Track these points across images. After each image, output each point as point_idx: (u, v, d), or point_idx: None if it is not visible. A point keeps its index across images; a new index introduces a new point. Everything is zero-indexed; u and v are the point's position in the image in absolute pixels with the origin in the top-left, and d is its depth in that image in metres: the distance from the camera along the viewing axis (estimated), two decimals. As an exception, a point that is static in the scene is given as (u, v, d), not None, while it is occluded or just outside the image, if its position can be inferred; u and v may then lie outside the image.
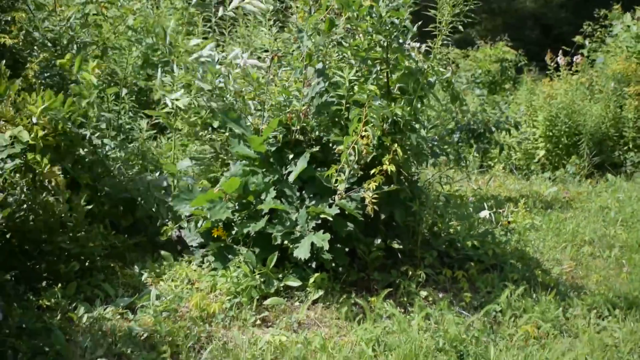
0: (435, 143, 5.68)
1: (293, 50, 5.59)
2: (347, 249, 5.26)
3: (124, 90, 7.30)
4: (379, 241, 5.35)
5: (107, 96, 7.07)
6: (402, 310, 4.98)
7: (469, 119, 7.41)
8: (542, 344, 4.69)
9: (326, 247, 4.89)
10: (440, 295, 5.20)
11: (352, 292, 5.15)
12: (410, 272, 5.33)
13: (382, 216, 5.32)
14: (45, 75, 6.21)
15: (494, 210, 6.38)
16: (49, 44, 6.21)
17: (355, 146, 4.76)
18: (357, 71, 5.19)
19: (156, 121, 7.71)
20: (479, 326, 4.80)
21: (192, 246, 5.55)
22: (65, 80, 6.19)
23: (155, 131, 7.90)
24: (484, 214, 6.32)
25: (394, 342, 4.50)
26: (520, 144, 9.17)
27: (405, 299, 5.13)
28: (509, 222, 6.30)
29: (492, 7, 28.26)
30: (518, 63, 13.86)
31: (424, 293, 5.18)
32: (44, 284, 4.96)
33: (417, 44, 5.54)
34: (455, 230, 6.04)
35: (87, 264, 5.26)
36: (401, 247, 5.42)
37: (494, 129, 7.03)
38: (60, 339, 4.34)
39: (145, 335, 4.52)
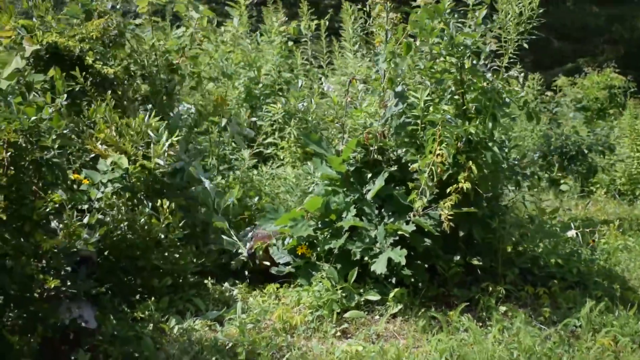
0: (516, 162, 5.74)
1: (372, 74, 5.81)
2: (426, 265, 5.41)
3: (223, 121, 7.64)
4: (458, 257, 5.45)
5: (210, 127, 7.45)
6: (480, 324, 5.06)
7: (562, 142, 7.43)
8: (619, 357, 4.68)
9: (403, 262, 5.04)
10: (520, 310, 5.24)
11: (431, 306, 5.26)
12: (490, 288, 5.40)
13: (461, 233, 5.43)
14: (147, 106, 6.61)
15: (582, 230, 6.36)
16: (147, 76, 6.61)
17: (432, 166, 4.94)
18: (432, 92, 5.36)
19: (256, 150, 8.05)
20: (556, 339, 4.83)
21: (279, 264, 5.79)
22: (163, 111, 6.59)
23: (256, 160, 8.23)
24: (571, 233, 6.31)
25: (467, 353, 4.60)
26: (613, 165, 9.01)
27: (483, 314, 5.21)
28: (594, 241, 6.26)
29: (613, 36, 27.72)
30: (627, 90, 13.66)
31: (503, 308, 5.23)
32: (138, 297, 5.31)
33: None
34: (539, 249, 6.05)
35: (180, 280, 5.57)
36: (481, 264, 5.49)
37: (586, 151, 7.01)
38: (149, 346, 4.65)
39: (229, 344, 4.78)
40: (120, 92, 6.53)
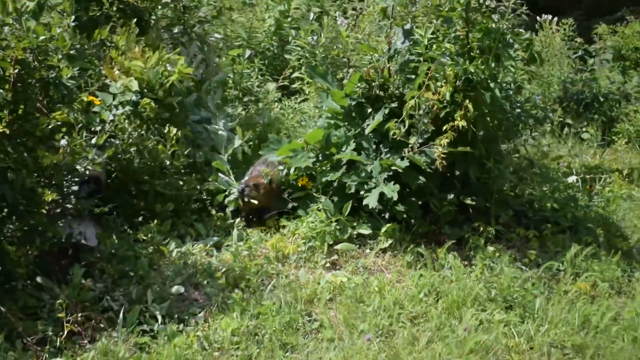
0: (519, 105, 5.78)
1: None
2: (420, 202, 5.51)
3: (247, 52, 7.70)
4: (452, 196, 5.54)
5: (239, 59, 7.51)
6: (465, 263, 5.17)
7: (579, 89, 7.40)
8: (594, 301, 4.78)
9: (395, 197, 5.16)
10: (507, 252, 5.33)
11: (421, 243, 5.38)
12: (481, 229, 5.49)
13: (457, 173, 5.52)
14: (173, 32, 6.70)
15: (583, 176, 6.39)
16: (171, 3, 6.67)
17: (419, 100, 5.01)
18: (437, 30, 5.41)
19: (282, 84, 8.15)
20: (535, 280, 4.95)
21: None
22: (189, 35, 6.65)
23: (281, 94, 8.31)
24: (572, 179, 6.35)
25: (446, 289, 4.74)
26: (627, 115, 8.89)
27: (471, 253, 5.32)
28: (591, 187, 6.30)
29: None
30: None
31: (491, 248, 5.33)
32: (141, 219, 5.50)
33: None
34: (536, 193, 6.10)
35: (183, 205, 5.75)
36: (474, 203, 5.58)
37: (602, 99, 6.99)
38: (144, 265, 4.87)
39: (223, 269, 4.97)
40: (145, 19, 6.64)
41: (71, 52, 4.93)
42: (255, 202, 5.65)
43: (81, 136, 4.88)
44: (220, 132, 6.27)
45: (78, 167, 4.99)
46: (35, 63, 4.31)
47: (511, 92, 5.73)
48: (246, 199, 5.64)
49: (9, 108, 4.14)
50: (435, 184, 5.51)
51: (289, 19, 8.90)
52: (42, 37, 4.32)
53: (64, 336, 4.06)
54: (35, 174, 4.37)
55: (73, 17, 5.21)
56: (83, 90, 5.93)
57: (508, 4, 5.25)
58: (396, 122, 5.22)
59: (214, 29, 7.25)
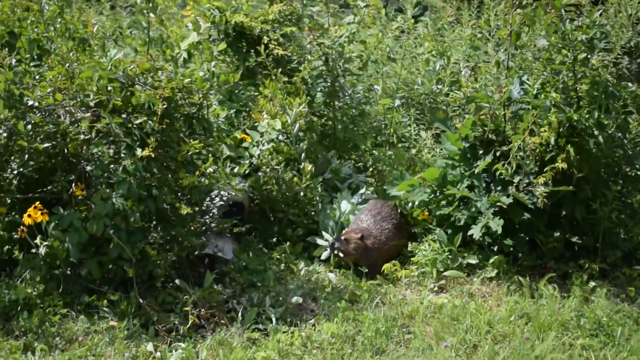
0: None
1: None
2: (527, 238, 5.94)
3: (397, 102, 8.39)
4: (558, 234, 5.92)
5: (396, 108, 8.22)
6: (564, 295, 5.52)
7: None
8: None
9: (499, 230, 5.64)
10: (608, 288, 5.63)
11: (526, 275, 5.78)
12: (587, 265, 5.82)
13: (563, 212, 5.91)
14: (318, 82, 7.50)
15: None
16: (322, 58, 7.48)
17: (523, 143, 5.52)
18: (546, 82, 5.88)
19: (435, 132, 8.76)
20: (626, 313, 5.25)
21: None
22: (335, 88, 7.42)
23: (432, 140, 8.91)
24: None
25: (536, 314, 5.15)
26: None
27: (572, 287, 5.64)
28: None
29: None
30: None
31: (592, 284, 5.66)
32: (274, 240, 6.30)
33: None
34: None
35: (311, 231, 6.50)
36: (580, 242, 5.92)
37: None
38: (270, 277, 5.64)
39: (340, 287, 5.64)
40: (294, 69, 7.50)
41: (224, 94, 5.88)
42: (342, 255, 5.97)
43: (225, 166, 5.76)
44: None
45: (222, 192, 5.90)
46: (181, 101, 5.22)
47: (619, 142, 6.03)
48: (336, 252, 5.97)
49: (155, 136, 5.05)
50: (543, 222, 5.91)
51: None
52: (187, 80, 5.22)
53: (188, 326, 4.88)
54: (176, 193, 5.25)
55: (213, 62, 6.06)
56: (236, 129, 6.89)
57: (610, 59, 5.66)
58: (503, 163, 5.73)
59: (359, 80, 7.94)
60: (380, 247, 6.01)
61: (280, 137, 6.81)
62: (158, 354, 4.61)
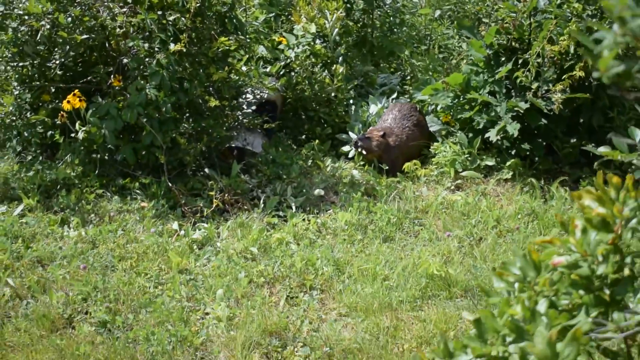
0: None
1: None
2: (544, 143, 6.16)
3: (437, 12, 8.55)
4: (574, 140, 6.13)
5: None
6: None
7: None
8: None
9: (515, 134, 5.86)
10: (618, 191, 5.84)
11: (540, 178, 6.03)
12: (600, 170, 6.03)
13: (581, 120, 6.10)
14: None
15: None
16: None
17: (542, 51, 5.70)
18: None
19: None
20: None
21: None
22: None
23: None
24: None
25: (543, 213, 5.43)
26: None
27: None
28: None
29: None
30: None
31: (603, 187, 5.87)
32: (304, 137, 6.63)
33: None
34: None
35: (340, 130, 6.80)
36: (594, 150, 6.11)
37: None
38: (296, 171, 5.98)
39: (360, 181, 5.97)
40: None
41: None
42: (365, 153, 6.25)
43: (259, 65, 6.08)
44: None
45: (256, 90, 6.24)
46: (214, 0, 5.52)
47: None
48: (360, 150, 6.27)
49: (188, 32, 5.37)
50: (561, 129, 6.12)
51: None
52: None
53: (212, 209, 5.28)
54: (206, 87, 5.60)
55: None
56: (274, 32, 7.18)
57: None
58: (523, 70, 5.92)
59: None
60: (401, 145, 6.28)
61: (318, 41, 7.08)
62: (182, 231, 5.03)
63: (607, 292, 2.10)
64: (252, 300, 4.31)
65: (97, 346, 3.91)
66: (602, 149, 3.02)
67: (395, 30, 7.81)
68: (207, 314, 4.25)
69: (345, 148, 6.50)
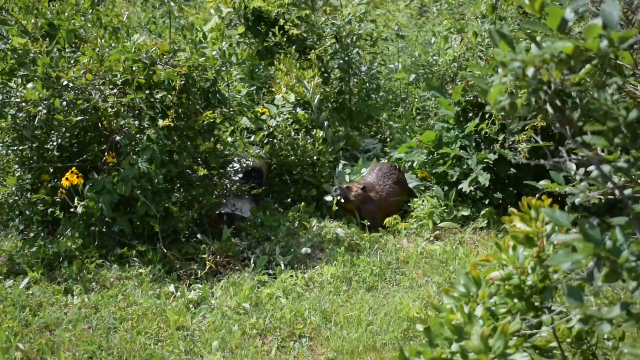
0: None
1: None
2: (515, 191, 6.55)
3: (412, 76, 9.04)
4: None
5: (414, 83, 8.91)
6: (546, 239, 6.13)
7: None
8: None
9: (486, 184, 6.27)
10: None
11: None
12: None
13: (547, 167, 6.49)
14: (334, 57, 8.17)
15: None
16: (331, 35, 8.15)
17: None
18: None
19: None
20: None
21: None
22: (349, 64, 8.10)
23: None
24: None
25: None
26: None
27: (554, 232, 6.25)
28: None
29: None
30: None
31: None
32: (289, 201, 7.02)
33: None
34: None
35: (326, 192, 7.18)
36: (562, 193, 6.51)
37: None
38: (283, 231, 6.34)
39: (344, 238, 6.34)
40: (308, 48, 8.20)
41: (245, 73, 6.62)
42: (343, 201, 6.67)
43: (243, 135, 6.51)
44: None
45: (242, 159, 6.65)
46: (197, 77, 5.97)
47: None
48: (338, 197, 6.67)
49: (174, 108, 5.80)
50: (529, 176, 6.51)
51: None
52: (201, 59, 5.96)
53: (205, 271, 5.64)
54: (194, 158, 6.01)
55: (224, 42, 6.79)
56: (256, 104, 7.63)
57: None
58: (487, 123, 6.35)
59: (375, 58, 8.58)
60: (380, 200, 6.69)
61: (299, 109, 7.52)
62: (178, 293, 5.37)
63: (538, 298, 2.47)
64: (246, 350, 4.65)
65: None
66: (543, 182, 3.37)
67: (372, 95, 8.27)
68: (204, 365, 4.58)
69: (329, 198, 6.89)
